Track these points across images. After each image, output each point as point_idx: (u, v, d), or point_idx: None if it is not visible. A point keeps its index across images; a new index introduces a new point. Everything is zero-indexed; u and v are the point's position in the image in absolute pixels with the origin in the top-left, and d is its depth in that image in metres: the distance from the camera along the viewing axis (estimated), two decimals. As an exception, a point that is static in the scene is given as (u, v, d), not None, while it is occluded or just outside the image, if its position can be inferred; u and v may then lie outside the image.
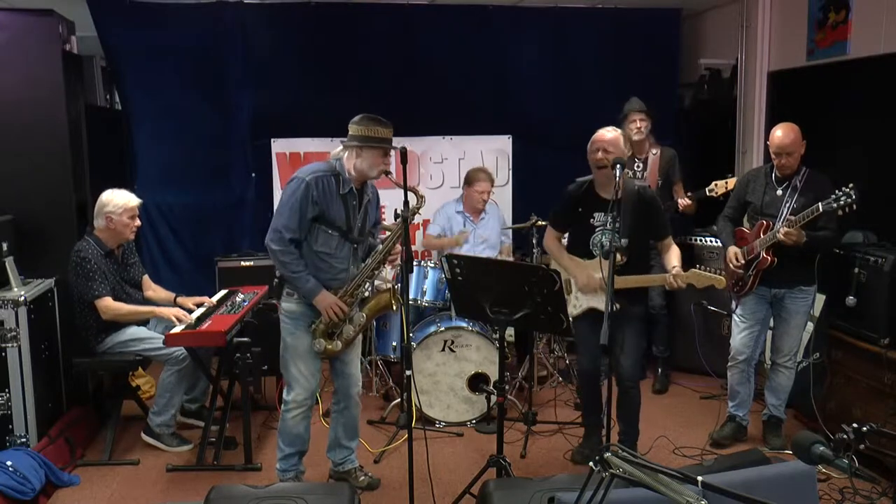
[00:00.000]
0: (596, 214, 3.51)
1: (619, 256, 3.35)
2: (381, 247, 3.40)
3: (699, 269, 3.38)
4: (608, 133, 3.47)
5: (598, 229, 3.51)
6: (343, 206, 3.24)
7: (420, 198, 3.39)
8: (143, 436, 4.06)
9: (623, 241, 3.32)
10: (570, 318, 3.64)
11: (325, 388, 4.26)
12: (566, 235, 3.80)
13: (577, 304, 3.65)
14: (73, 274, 3.84)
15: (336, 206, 3.23)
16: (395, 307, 3.43)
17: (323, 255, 3.27)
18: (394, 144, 3.27)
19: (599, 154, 3.43)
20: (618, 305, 3.32)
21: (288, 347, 3.36)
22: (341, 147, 3.28)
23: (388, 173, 3.29)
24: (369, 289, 3.46)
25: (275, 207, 3.26)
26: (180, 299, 4.20)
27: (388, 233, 3.51)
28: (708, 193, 4.50)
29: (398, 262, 3.38)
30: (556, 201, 3.75)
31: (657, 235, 3.58)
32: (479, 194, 4.76)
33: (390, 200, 4.90)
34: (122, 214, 3.91)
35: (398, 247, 3.35)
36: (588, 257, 3.59)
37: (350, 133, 3.23)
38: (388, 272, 4.67)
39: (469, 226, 4.86)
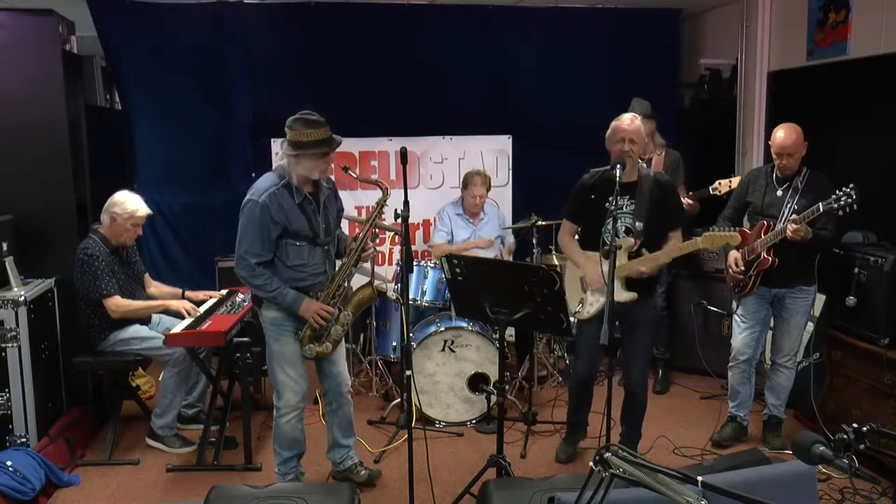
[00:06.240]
0: (610, 199, 3.19)
1: (633, 241, 3.35)
2: (354, 245, 3.37)
3: (712, 230, 3.32)
4: (632, 122, 3.36)
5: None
6: (303, 214, 3.22)
7: (384, 190, 3.39)
8: (148, 440, 4.07)
9: (638, 224, 3.32)
10: (579, 320, 3.61)
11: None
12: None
13: (591, 301, 3.55)
14: (79, 272, 3.84)
15: (296, 217, 3.20)
16: (377, 300, 3.41)
17: (297, 267, 3.26)
18: (337, 140, 3.21)
19: (626, 146, 3.32)
20: (635, 294, 3.35)
21: (274, 354, 3.34)
22: (282, 152, 3.23)
23: (345, 169, 3.25)
24: (348, 285, 3.45)
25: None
26: (189, 293, 4.22)
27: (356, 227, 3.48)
28: (711, 192, 4.49)
29: (371, 253, 3.40)
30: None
31: (673, 223, 3.47)
32: (473, 198, 4.76)
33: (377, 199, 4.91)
34: (126, 220, 3.91)
35: (370, 242, 3.37)
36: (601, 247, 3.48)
37: (286, 137, 3.17)
38: (388, 271, 4.68)
39: (469, 228, 4.86)
